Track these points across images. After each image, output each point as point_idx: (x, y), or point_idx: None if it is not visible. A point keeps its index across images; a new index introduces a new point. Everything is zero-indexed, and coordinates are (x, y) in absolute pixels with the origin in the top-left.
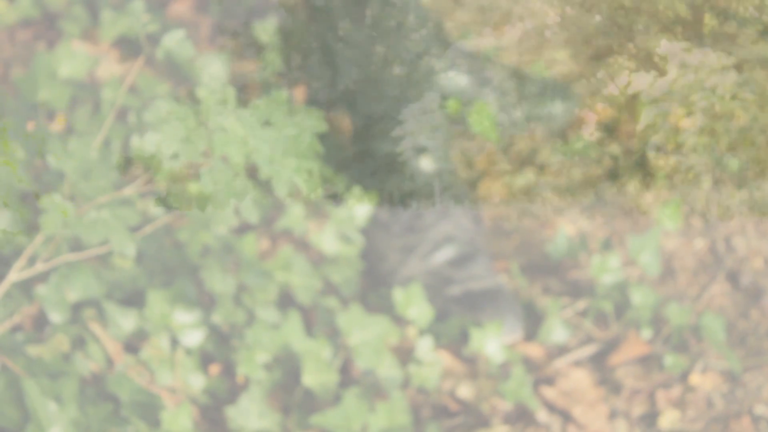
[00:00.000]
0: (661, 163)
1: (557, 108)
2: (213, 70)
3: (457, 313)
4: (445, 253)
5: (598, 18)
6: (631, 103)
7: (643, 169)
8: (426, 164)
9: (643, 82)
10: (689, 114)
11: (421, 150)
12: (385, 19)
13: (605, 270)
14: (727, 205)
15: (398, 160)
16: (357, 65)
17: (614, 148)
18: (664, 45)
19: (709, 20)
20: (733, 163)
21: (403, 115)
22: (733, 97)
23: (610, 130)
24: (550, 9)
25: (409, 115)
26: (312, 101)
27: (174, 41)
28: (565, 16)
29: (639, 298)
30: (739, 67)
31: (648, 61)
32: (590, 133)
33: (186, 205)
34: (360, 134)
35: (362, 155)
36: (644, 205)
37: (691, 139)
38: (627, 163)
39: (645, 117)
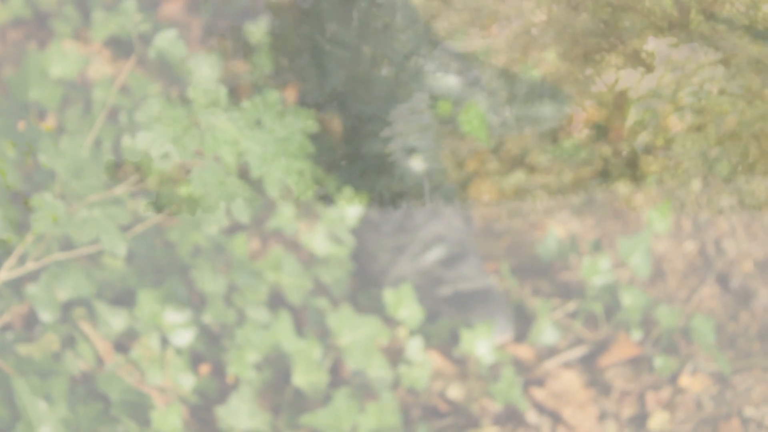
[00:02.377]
0: (651, 163)
1: (547, 109)
2: (204, 71)
3: (447, 314)
4: (436, 254)
5: (584, 16)
6: (619, 100)
7: (633, 170)
8: (416, 164)
9: (630, 79)
10: (677, 110)
11: (411, 150)
12: (372, 19)
13: (595, 272)
14: (716, 202)
15: (388, 161)
16: (345, 66)
17: (605, 150)
18: (651, 42)
19: (696, 16)
20: (723, 165)
21: (392, 115)
22: (721, 93)
23: (600, 129)
24: (537, 8)
25: (397, 115)
26: (303, 102)
27: (166, 41)
28: (552, 15)
29: (629, 300)
30: (726, 62)
31: (635, 58)
32: (579, 130)
33: (176, 208)
34: (350, 135)
35: (352, 156)
36: (634, 206)
37: (679, 136)
38: (617, 163)
39: (633, 114)
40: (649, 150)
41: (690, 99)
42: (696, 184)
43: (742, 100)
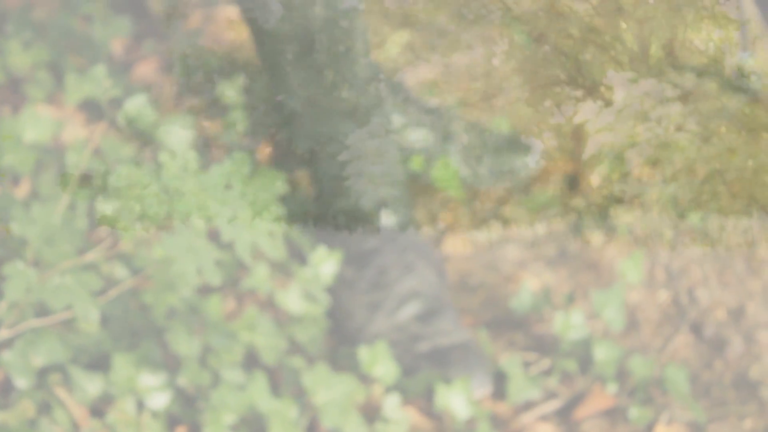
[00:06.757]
0: (622, 214)
1: (520, 162)
2: (176, 133)
3: (426, 369)
4: (412, 309)
5: (546, 48)
6: (576, 133)
7: (605, 220)
8: (386, 219)
9: (589, 111)
10: (633, 145)
11: (382, 204)
12: (333, 44)
13: (569, 327)
14: (672, 234)
15: (343, 183)
16: (305, 89)
17: (577, 201)
18: (610, 75)
19: (655, 52)
20: (679, 203)
21: (351, 139)
22: (678, 128)
23: (572, 180)
24: (498, 38)
25: (355, 139)
26: (276, 160)
27: (135, 107)
28: (513, 45)
29: (603, 354)
30: (684, 99)
31: (594, 91)
32: (537, 161)
33: (151, 271)
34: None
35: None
36: (607, 258)
37: (636, 170)
38: (589, 214)
39: (590, 147)
40: (620, 200)
41: (647, 134)
42: (668, 233)
43: (699, 136)
